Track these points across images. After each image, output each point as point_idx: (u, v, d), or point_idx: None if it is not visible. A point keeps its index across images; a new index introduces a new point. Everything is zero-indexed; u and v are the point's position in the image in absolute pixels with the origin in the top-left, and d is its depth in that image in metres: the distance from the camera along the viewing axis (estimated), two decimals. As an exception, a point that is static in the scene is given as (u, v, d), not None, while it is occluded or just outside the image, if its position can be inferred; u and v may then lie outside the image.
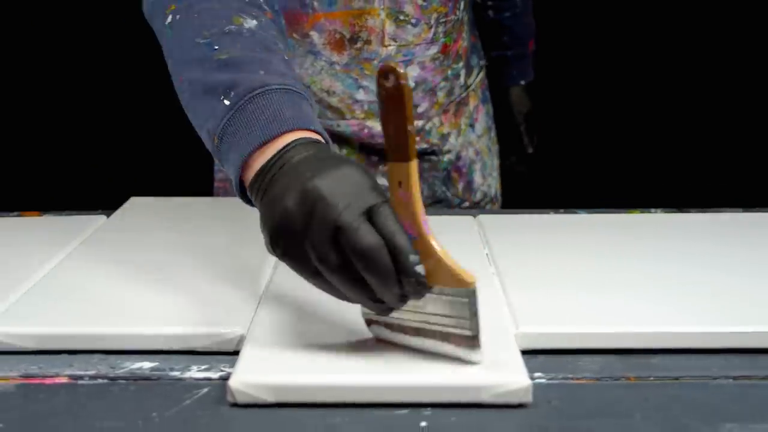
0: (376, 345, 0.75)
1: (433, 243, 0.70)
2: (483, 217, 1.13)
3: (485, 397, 0.69)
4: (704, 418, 0.67)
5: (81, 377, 0.75)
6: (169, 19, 0.88)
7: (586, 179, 2.24)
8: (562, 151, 2.13)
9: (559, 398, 0.71)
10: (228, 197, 1.26)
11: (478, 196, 1.37)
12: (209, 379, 0.74)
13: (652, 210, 1.17)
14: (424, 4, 1.20)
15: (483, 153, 1.38)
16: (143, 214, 1.14)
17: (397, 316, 0.73)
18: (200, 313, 0.82)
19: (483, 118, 1.39)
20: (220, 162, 0.82)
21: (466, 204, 1.35)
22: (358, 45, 1.20)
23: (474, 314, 0.70)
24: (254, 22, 0.86)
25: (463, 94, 1.33)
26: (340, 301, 0.72)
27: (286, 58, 0.84)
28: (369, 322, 0.76)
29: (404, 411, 0.68)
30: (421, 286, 0.68)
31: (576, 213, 1.16)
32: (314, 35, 1.20)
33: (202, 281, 0.90)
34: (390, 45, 1.20)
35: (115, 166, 2.20)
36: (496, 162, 1.42)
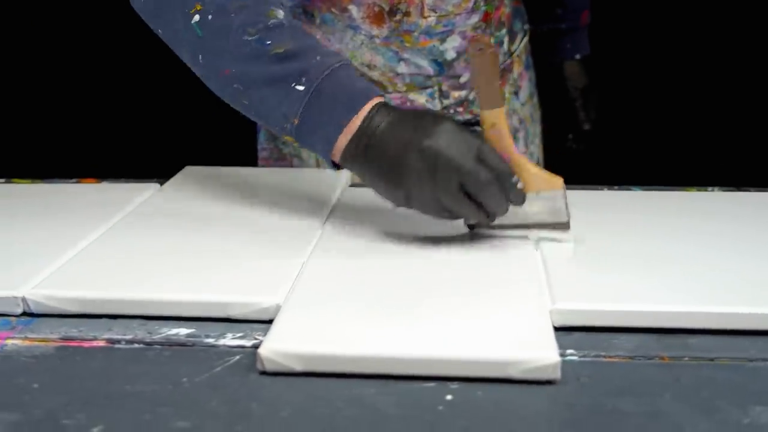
0: (411, 319, 0.75)
1: (524, 161, 0.93)
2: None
3: (513, 373, 0.68)
4: (735, 401, 0.66)
5: (118, 341, 0.76)
6: (197, 18, 0.94)
7: (643, 155, 2.19)
8: (619, 126, 2.08)
9: (589, 376, 0.70)
10: (279, 168, 1.27)
11: None
12: (242, 347, 0.75)
13: (710, 188, 1.14)
14: None
15: (526, 120, 1.36)
16: (195, 183, 1.16)
17: (498, 222, 0.92)
18: (240, 282, 0.83)
19: (527, 85, 1.36)
20: (299, 141, 0.92)
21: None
22: (398, 17, 1.18)
23: (566, 204, 0.93)
24: (282, 12, 0.94)
25: (507, 61, 1.31)
26: (381, 275, 0.81)
27: (317, 38, 0.95)
28: (471, 227, 0.95)
29: (431, 384, 0.68)
30: (522, 197, 0.90)
31: (630, 190, 1.14)
32: (353, 9, 1.19)
33: (245, 250, 0.91)
34: (430, 16, 1.19)
35: (174, 136, 2.23)
36: (538, 129, 1.40)
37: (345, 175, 1.18)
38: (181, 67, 0.99)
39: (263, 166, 1.33)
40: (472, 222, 0.93)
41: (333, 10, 1.19)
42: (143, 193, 1.12)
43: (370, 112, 0.89)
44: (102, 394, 0.68)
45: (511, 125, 1.32)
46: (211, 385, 0.69)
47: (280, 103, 0.91)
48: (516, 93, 1.33)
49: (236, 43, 0.92)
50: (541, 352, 0.69)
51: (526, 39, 1.35)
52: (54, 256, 0.89)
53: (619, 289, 0.80)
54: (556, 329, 0.76)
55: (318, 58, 0.91)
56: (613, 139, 1.62)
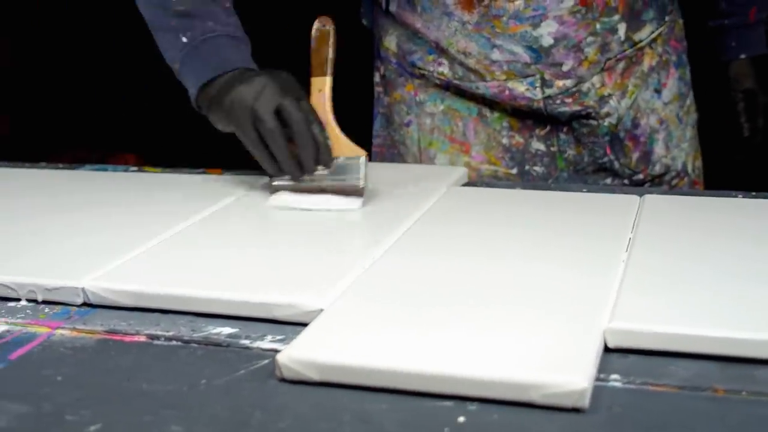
0: (445, 332, 0.70)
1: (335, 129, 1.05)
2: (649, 197, 1.03)
3: (535, 397, 0.63)
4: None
5: (158, 337, 0.76)
6: None
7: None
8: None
9: (623, 406, 0.63)
10: (384, 163, 1.25)
11: (658, 168, 1.26)
12: (275, 350, 0.73)
13: None
14: None
15: (669, 121, 1.26)
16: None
17: (304, 184, 1.04)
18: (292, 283, 0.81)
19: (675, 84, 1.27)
20: (180, 80, 1.11)
21: (640, 176, 1.26)
22: (486, 2, 1.15)
23: (365, 173, 1.03)
24: None
25: (628, 51, 1.21)
26: (439, 284, 0.80)
27: (227, 7, 1.12)
28: (276, 190, 1.05)
29: (449, 403, 0.64)
30: (328, 155, 1.03)
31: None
32: None
33: (312, 249, 0.89)
34: (516, 0, 1.14)
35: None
36: (689, 133, 1.30)
37: (455, 174, 1.15)
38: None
39: (376, 152, 1.32)
40: (270, 172, 1.05)
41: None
42: (246, 187, 1.12)
43: (223, 81, 1.06)
44: (116, 391, 0.67)
45: (647, 125, 1.25)
46: (226, 389, 0.67)
47: (171, 47, 1.10)
48: (658, 91, 1.25)
49: None
50: (567, 377, 0.63)
51: (664, 30, 1.25)
52: (128, 249, 0.90)
53: (694, 309, 0.73)
54: (611, 351, 0.70)
55: (209, 23, 1.09)
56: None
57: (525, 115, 1.23)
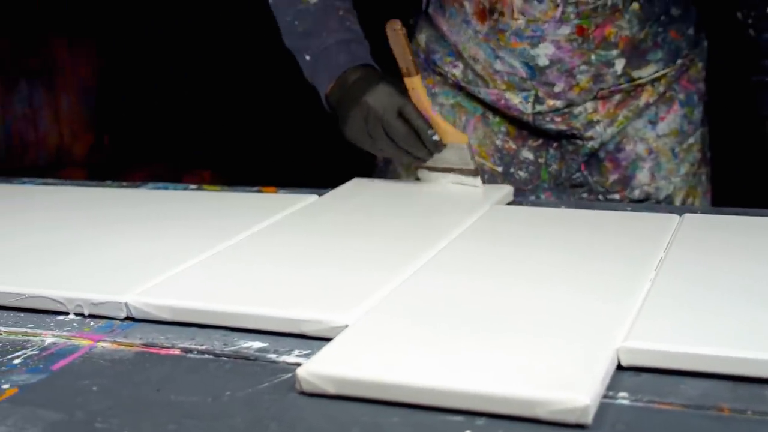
0: (460, 348, 0.73)
1: (438, 118, 1.20)
2: (689, 216, 1.04)
3: (540, 413, 0.64)
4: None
5: (191, 351, 0.80)
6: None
7: None
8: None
9: (627, 423, 0.65)
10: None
11: (637, 194, 1.32)
12: (299, 365, 0.76)
13: None
14: None
15: (661, 153, 1.30)
16: (352, 195, 1.18)
17: (431, 164, 1.23)
18: (321, 300, 0.84)
19: (676, 119, 1.31)
20: (318, 91, 1.29)
21: (616, 197, 1.31)
22: (495, 16, 1.25)
23: (472, 156, 1.21)
24: None
25: (624, 85, 1.26)
26: (464, 302, 0.82)
27: (341, 14, 1.28)
28: (416, 168, 1.26)
29: (459, 418, 0.66)
30: (436, 145, 1.19)
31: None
32: (467, 4, 1.29)
33: (349, 266, 0.92)
34: (519, 18, 1.23)
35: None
36: (684, 169, 1.33)
37: (500, 193, 1.16)
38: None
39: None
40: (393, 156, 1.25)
41: (454, 4, 1.30)
42: (297, 204, 1.15)
43: (339, 78, 1.24)
44: (145, 401, 0.71)
45: (632, 151, 1.31)
46: (247, 401, 0.70)
47: (302, 66, 1.30)
48: (652, 122, 1.30)
49: (283, 21, 1.31)
50: (570, 394, 0.64)
51: (670, 72, 1.30)
52: (170, 266, 0.94)
53: (710, 330, 0.73)
54: (625, 369, 0.71)
55: (323, 35, 1.26)
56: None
57: (522, 126, 1.31)
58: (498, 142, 1.34)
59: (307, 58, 1.28)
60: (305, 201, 1.17)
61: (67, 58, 3.03)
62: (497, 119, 1.34)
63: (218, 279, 0.90)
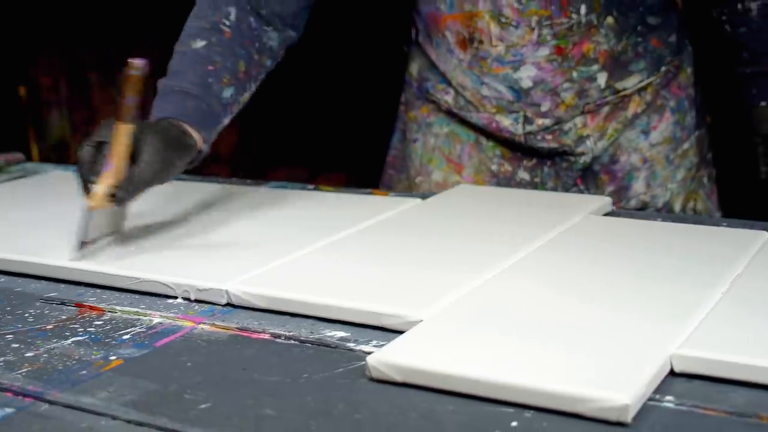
0: (520, 345, 0.78)
1: (106, 178, 1.04)
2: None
3: (583, 410, 0.69)
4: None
5: (279, 336, 0.87)
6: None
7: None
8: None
9: (666, 425, 0.68)
10: (528, 190, 1.33)
11: (634, 203, 1.35)
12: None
13: None
14: (521, 7, 1.23)
15: (656, 162, 1.33)
16: (454, 200, 1.24)
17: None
18: (401, 296, 0.90)
19: (668, 127, 1.34)
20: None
21: (613, 208, 1.30)
22: (475, 44, 1.29)
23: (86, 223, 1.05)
24: (203, 42, 1.19)
25: (610, 98, 1.30)
26: (522, 311, 0.85)
27: (210, 68, 1.18)
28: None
29: (509, 409, 0.71)
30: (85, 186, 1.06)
31: None
32: (448, 35, 1.33)
33: (426, 268, 0.98)
34: (498, 45, 1.28)
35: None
36: (680, 175, 1.36)
37: (597, 203, 1.20)
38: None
39: (390, 162, 1.52)
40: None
41: (439, 35, 1.33)
42: (399, 207, 1.22)
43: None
44: (231, 378, 0.79)
45: (627, 162, 1.34)
46: (321, 383, 0.77)
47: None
48: (645, 132, 1.33)
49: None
50: (612, 393, 0.68)
51: (655, 80, 1.33)
52: (270, 259, 1.02)
53: (765, 343, 0.76)
54: (677, 375, 0.75)
55: (176, 80, 1.17)
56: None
57: (515, 147, 1.35)
58: (494, 167, 1.39)
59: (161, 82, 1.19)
60: (408, 204, 1.23)
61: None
62: (491, 143, 1.38)
63: (312, 272, 0.98)
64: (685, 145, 1.37)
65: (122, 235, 1.12)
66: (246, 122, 3.30)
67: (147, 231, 1.15)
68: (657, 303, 0.86)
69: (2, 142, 2.10)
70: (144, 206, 1.22)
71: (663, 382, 0.74)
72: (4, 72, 3.21)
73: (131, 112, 1.05)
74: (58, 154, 2.98)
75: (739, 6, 1.29)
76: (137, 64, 1.04)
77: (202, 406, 0.74)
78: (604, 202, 1.22)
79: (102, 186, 1.04)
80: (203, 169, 1.34)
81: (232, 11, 1.22)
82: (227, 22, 1.21)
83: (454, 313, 0.86)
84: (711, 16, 1.33)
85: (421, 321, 0.85)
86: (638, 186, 1.35)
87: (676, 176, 1.37)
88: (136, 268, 1.00)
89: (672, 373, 0.76)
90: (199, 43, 1.19)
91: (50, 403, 0.75)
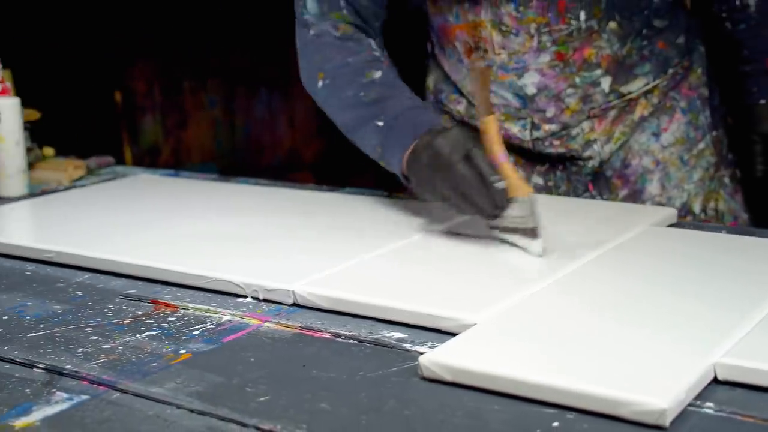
0: (566, 349, 0.81)
1: (505, 166, 1.08)
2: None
3: (623, 413, 0.71)
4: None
5: (340, 335, 0.91)
6: (320, 84, 1.29)
7: None
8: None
9: (702, 429, 0.70)
10: (598, 201, 1.34)
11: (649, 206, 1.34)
12: (428, 354, 0.86)
13: None
14: (518, 15, 1.25)
15: (669, 164, 1.34)
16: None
17: (496, 223, 1.10)
18: (458, 300, 0.93)
19: (680, 128, 1.34)
20: (384, 163, 1.21)
21: None
22: (481, 53, 1.31)
23: (533, 212, 1.06)
24: (379, 72, 1.25)
25: (615, 102, 1.31)
26: (571, 318, 0.88)
27: (406, 87, 1.24)
28: (492, 228, 1.12)
29: (551, 410, 0.74)
30: (501, 196, 1.05)
31: None
32: (458, 45, 1.35)
33: (484, 274, 1.01)
34: (501, 53, 1.30)
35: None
36: (696, 175, 1.35)
37: (661, 214, 1.21)
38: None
39: None
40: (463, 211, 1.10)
41: (450, 45, 1.36)
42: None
43: (420, 138, 1.13)
44: (291, 373, 0.83)
45: (639, 165, 1.35)
46: (375, 380, 0.81)
47: (370, 135, 1.22)
48: (655, 134, 1.34)
49: (344, 96, 1.25)
50: (651, 398, 0.71)
51: (662, 82, 1.33)
52: (339, 261, 1.06)
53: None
54: (721, 383, 0.77)
55: (397, 102, 1.20)
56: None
57: (526, 153, 1.37)
58: None
59: (380, 124, 1.20)
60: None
61: (304, 68, 3.25)
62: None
63: (374, 276, 1.02)
64: (701, 145, 1.37)
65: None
66: (331, 130, 3.36)
67: (221, 233, 1.21)
68: (706, 313, 0.87)
69: (97, 145, 2.19)
70: (223, 210, 1.27)
71: (706, 389, 0.76)
72: (102, 78, 3.33)
73: (491, 103, 1.15)
74: (151, 158, 3.08)
75: (738, 2, 1.31)
76: (481, 60, 1.23)
77: (261, 398, 0.78)
78: (669, 213, 1.23)
79: (511, 174, 1.08)
80: (287, 175, 1.39)
81: (372, 42, 1.31)
82: (377, 52, 1.29)
83: (507, 318, 0.89)
84: (712, 14, 1.34)
85: (475, 324, 0.88)
86: (652, 188, 1.35)
87: (693, 177, 1.36)
88: (210, 268, 1.06)
89: (716, 381, 0.77)
90: (377, 74, 1.26)
91: (121, 391, 0.81)
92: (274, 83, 3.25)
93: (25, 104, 1.68)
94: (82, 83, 3.21)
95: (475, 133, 1.12)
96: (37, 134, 1.74)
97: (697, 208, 1.38)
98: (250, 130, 3.31)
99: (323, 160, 3.32)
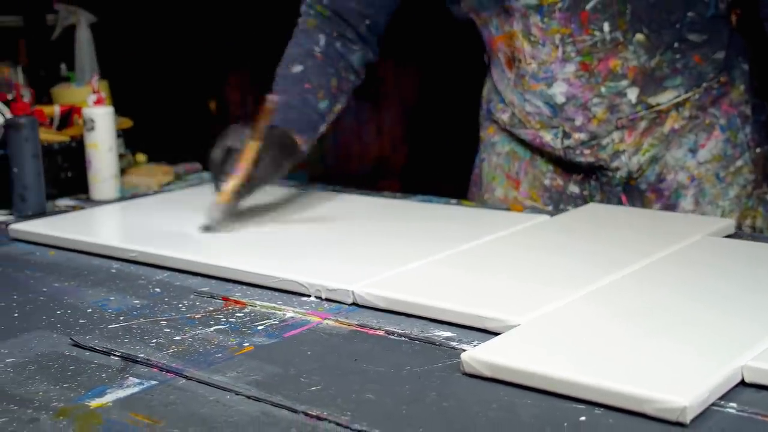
0: (600, 346, 0.85)
1: (233, 177, 1.33)
2: None
3: (647, 409, 0.76)
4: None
5: (392, 333, 0.97)
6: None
7: None
8: None
9: (722, 428, 0.74)
10: (658, 211, 1.37)
11: None
12: (473, 352, 0.91)
13: None
14: (544, 26, 1.29)
15: (704, 180, 1.34)
16: (581, 218, 1.31)
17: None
18: (503, 302, 0.98)
19: (718, 146, 1.35)
20: None
21: None
22: (517, 63, 1.37)
23: (224, 212, 1.34)
24: (300, 67, 1.46)
25: (643, 113, 1.33)
26: (610, 321, 0.92)
27: (307, 86, 1.45)
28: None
29: (580, 406, 0.79)
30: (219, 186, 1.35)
31: None
32: (500, 55, 1.42)
33: (533, 278, 1.06)
34: (531, 63, 1.35)
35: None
36: (732, 192, 1.36)
37: (718, 225, 1.24)
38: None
39: (473, 180, 1.61)
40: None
41: (496, 58, 1.42)
42: (527, 222, 1.30)
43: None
44: (342, 367, 0.89)
45: (674, 180, 1.37)
46: (418, 375, 0.87)
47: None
48: (692, 150, 1.35)
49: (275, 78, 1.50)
50: (673, 396, 0.75)
51: (693, 96, 1.35)
52: (398, 264, 1.12)
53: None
54: (748, 385, 0.80)
55: (283, 95, 1.43)
56: None
57: (560, 162, 1.42)
58: (546, 182, 1.47)
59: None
60: (536, 220, 1.31)
61: (392, 78, 3.33)
62: (544, 159, 1.47)
63: (429, 279, 1.07)
64: (739, 162, 1.38)
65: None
66: (419, 139, 3.44)
67: (291, 237, 1.28)
68: (742, 320, 0.91)
69: (190, 151, 2.29)
70: (297, 215, 1.35)
71: (732, 390, 0.80)
72: (198, 88, 3.45)
73: (263, 133, 1.33)
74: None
75: None
76: (274, 99, 1.34)
77: (313, 388, 0.85)
78: (726, 224, 1.26)
79: (230, 185, 1.32)
80: (376, 183, 1.49)
81: (322, 39, 1.49)
82: (318, 48, 1.48)
83: (549, 320, 0.93)
84: (760, 22, 1.34)
85: (518, 325, 0.93)
86: (686, 204, 1.37)
87: (728, 193, 1.38)
88: (278, 269, 1.13)
89: (744, 384, 0.81)
90: (297, 68, 1.46)
91: (187, 378, 0.88)
92: (362, 92, 3.32)
93: (122, 113, 1.79)
94: (179, 93, 3.34)
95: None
96: (131, 141, 1.85)
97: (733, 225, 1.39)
98: (338, 138, 3.40)
99: (410, 167, 3.38)
